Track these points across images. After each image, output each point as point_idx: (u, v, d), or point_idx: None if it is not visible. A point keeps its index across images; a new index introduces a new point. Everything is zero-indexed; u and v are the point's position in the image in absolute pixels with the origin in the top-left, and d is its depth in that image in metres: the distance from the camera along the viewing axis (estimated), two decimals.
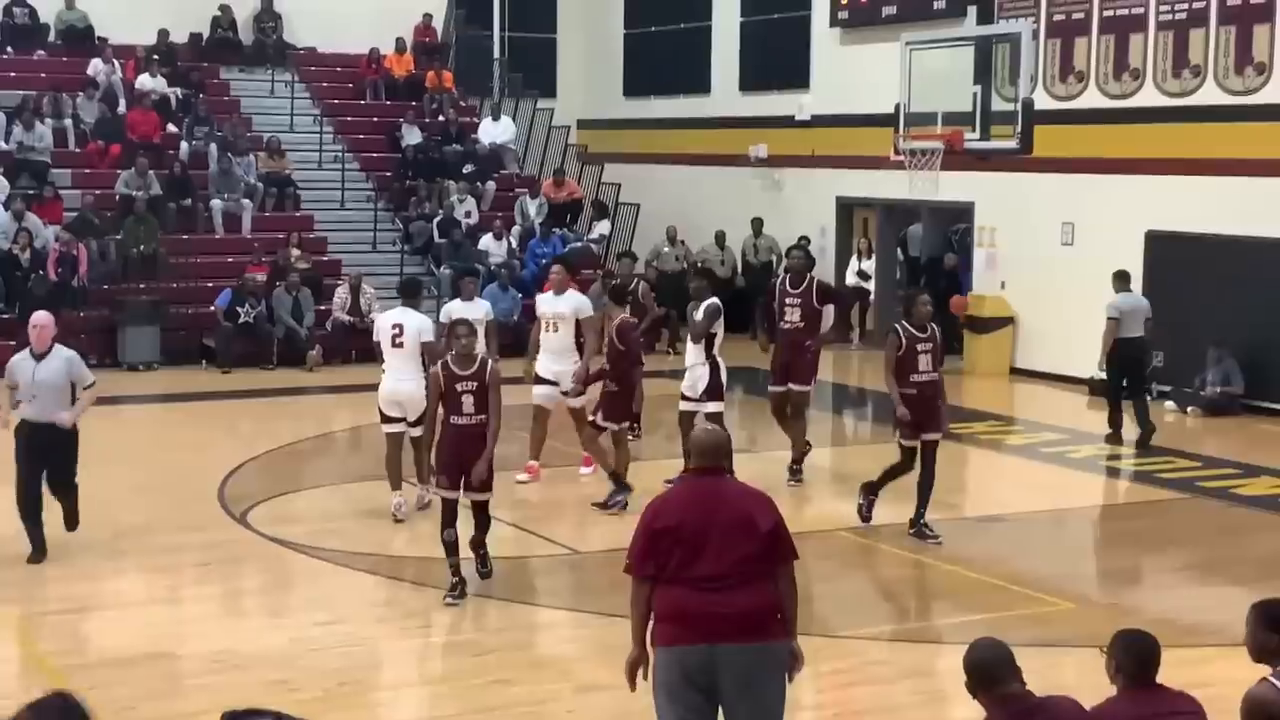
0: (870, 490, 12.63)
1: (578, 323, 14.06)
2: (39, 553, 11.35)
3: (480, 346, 11.20)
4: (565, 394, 13.85)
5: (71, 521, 11.69)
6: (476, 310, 13.88)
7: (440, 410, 10.44)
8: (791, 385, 14.38)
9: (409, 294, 13.24)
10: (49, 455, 11.38)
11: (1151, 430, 16.39)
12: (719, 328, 13.68)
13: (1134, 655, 5.71)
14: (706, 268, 21.89)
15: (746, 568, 6.35)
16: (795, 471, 14.42)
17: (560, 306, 13.99)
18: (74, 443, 11.45)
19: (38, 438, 11.26)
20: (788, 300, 14.33)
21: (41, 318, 11.34)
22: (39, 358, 11.20)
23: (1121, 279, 16.83)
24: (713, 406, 13.39)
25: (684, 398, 13.69)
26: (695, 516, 6.40)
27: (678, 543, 6.38)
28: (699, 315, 13.61)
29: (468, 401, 10.32)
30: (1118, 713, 5.64)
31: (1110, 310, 16.46)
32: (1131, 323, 16.45)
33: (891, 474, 12.52)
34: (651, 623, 6.54)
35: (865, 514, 12.63)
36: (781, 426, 14.64)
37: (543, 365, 13.98)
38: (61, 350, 11.35)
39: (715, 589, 6.30)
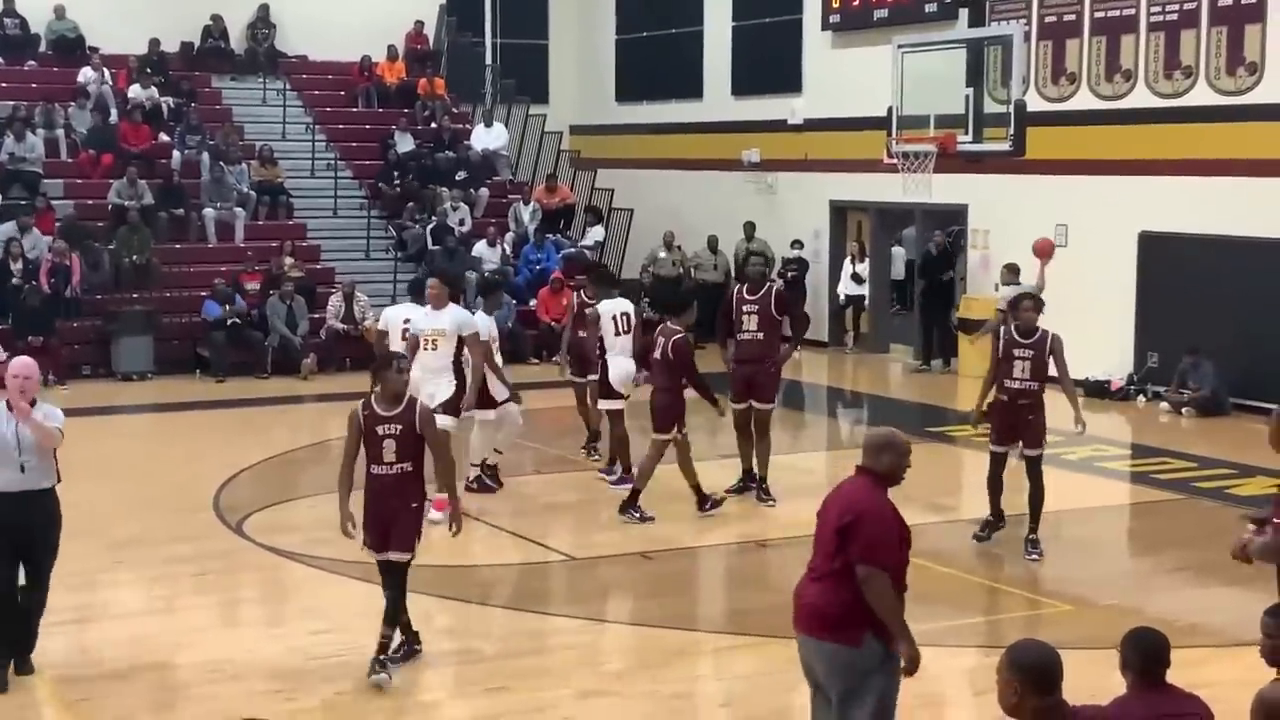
0: (989, 523, 12.42)
1: (459, 341, 12.90)
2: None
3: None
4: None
5: (28, 644, 9.18)
6: (440, 321, 12.86)
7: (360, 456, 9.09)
8: (753, 403, 13.68)
9: (488, 292, 14.01)
10: (32, 540, 8.96)
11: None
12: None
13: (1142, 653, 5.70)
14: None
15: (818, 563, 6.70)
16: (765, 492, 13.78)
17: (440, 322, 12.80)
18: (58, 521, 9.09)
19: (16, 515, 8.80)
20: (745, 308, 13.62)
21: (25, 366, 8.96)
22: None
23: (1011, 271, 17.87)
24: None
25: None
26: (821, 509, 6.83)
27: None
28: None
29: (389, 448, 8.99)
30: (1127, 713, 5.63)
31: (1000, 303, 16.93)
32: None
33: (991, 488, 12.38)
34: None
35: (982, 534, 12.49)
36: (741, 445, 13.91)
37: (414, 385, 12.61)
38: (43, 405, 8.99)
39: (807, 579, 6.75)
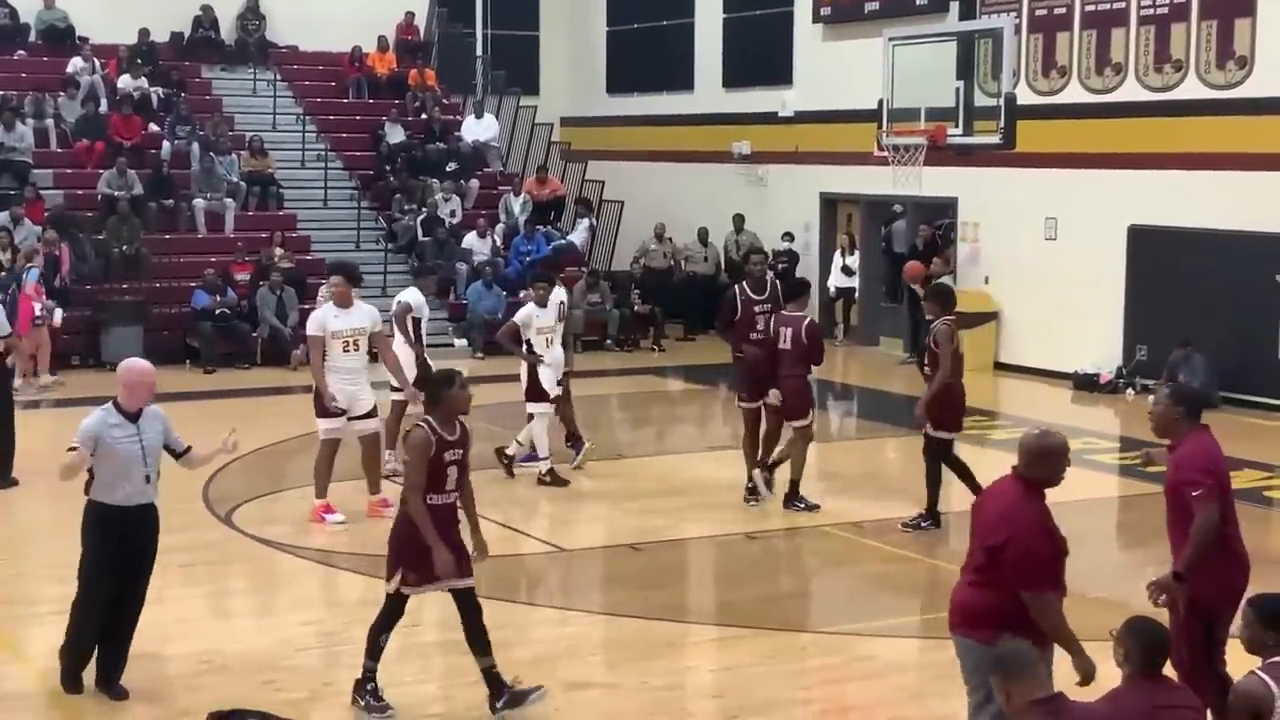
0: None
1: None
2: None
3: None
4: (364, 416, 12.62)
5: (121, 667, 8.74)
6: (357, 319, 12.54)
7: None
8: (769, 402, 13.36)
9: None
10: (146, 557, 8.70)
11: None
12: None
13: (1145, 645, 5.74)
14: None
15: (967, 563, 6.81)
16: (753, 492, 13.48)
17: (360, 321, 12.46)
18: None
19: (140, 531, 8.57)
20: (756, 309, 13.30)
21: (143, 369, 8.76)
22: (133, 418, 8.62)
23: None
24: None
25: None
26: (973, 510, 6.95)
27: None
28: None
29: (452, 476, 8.31)
30: (1127, 705, 5.65)
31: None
32: None
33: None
34: None
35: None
36: (750, 450, 13.57)
37: (338, 391, 12.31)
38: (154, 408, 8.78)
39: (962, 581, 6.85)
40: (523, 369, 14.14)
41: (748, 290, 13.43)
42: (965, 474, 12.49)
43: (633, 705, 8.66)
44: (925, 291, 13.49)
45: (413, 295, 14.14)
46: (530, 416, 14.15)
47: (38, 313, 19.30)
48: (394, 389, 13.60)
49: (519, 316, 14.35)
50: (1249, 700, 5.58)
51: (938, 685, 8.67)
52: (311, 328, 12.49)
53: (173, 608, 10.74)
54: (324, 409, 12.40)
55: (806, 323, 12.98)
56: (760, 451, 13.54)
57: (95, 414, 8.53)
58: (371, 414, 12.65)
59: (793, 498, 13.12)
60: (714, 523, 12.89)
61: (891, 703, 8.66)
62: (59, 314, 19.91)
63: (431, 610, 10.46)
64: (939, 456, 12.59)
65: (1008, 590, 6.45)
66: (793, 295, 13.33)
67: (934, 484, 12.56)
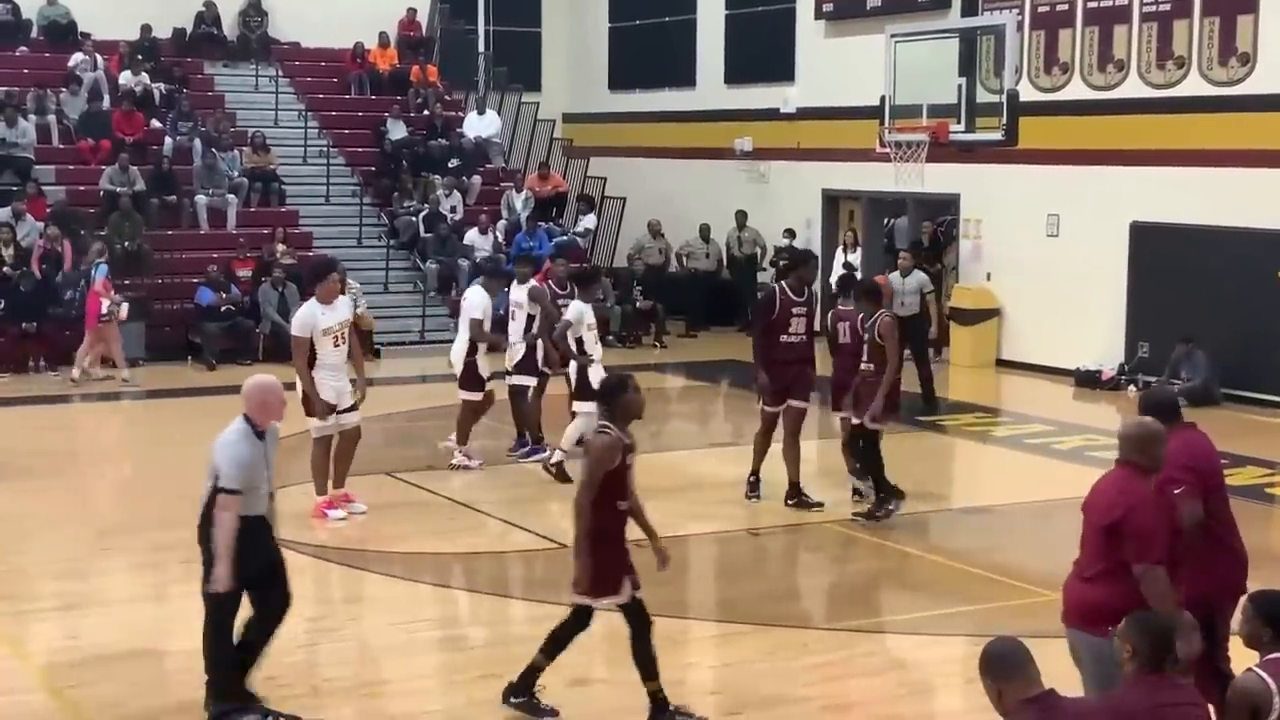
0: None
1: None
2: None
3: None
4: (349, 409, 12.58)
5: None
6: (343, 313, 12.59)
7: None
8: (791, 401, 13.03)
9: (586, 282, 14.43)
10: (275, 572, 8.43)
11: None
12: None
13: (1151, 641, 5.72)
14: None
15: (1086, 560, 6.83)
16: (754, 487, 13.33)
17: (345, 313, 12.57)
18: None
19: (264, 545, 8.33)
20: (793, 310, 12.91)
21: (272, 384, 8.66)
22: (262, 436, 8.51)
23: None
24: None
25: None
26: (1085, 504, 6.94)
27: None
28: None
29: (630, 481, 8.09)
30: (1134, 701, 5.64)
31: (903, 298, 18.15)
32: (910, 301, 18.27)
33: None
34: None
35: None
36: (760, 447, 13.31)
37: (326, 386, 12.32)
38: (274, 424, 8.65)
39: (1075, 577, 6.89)
40: (572, 368, 13.90)
41: (788, 291, 12.98)
42: (880, 469, 12.40)
43: (634, 701, 8.64)
44: (855, 290, 13.35)
45: (476, 294, 14.44)
46: (573, 415, 13.95)
47: (105, 308, 19.55)
48: (509, 373, 14.54)
49: (571, 314, 14.00)
50: (1247, 697, 5.57)
51: (939, 681, 8.67)
52: (299, 329, 12.30)
53: (173, 604, 10.75)
54: (313, 410, 12.31)
55: (885, 319, 12.64)
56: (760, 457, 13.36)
57: (239, 440, 8.22)
58: (355, 408, 12.60)
59: (880, 509, 12.73)
60: (715, 519, 12.89)
61: (893, 699, 8.65)
62: (125, 308, 20.13)
63: (429, 607, 10.47)
64: (875, 445, 12.46)
65: (1121, 584, 6.53)
66: (868, 296, 13.00)
67: (878, 468, 12.44)
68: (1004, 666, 5.44)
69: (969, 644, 9.58)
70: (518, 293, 14.83)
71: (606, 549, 7.95)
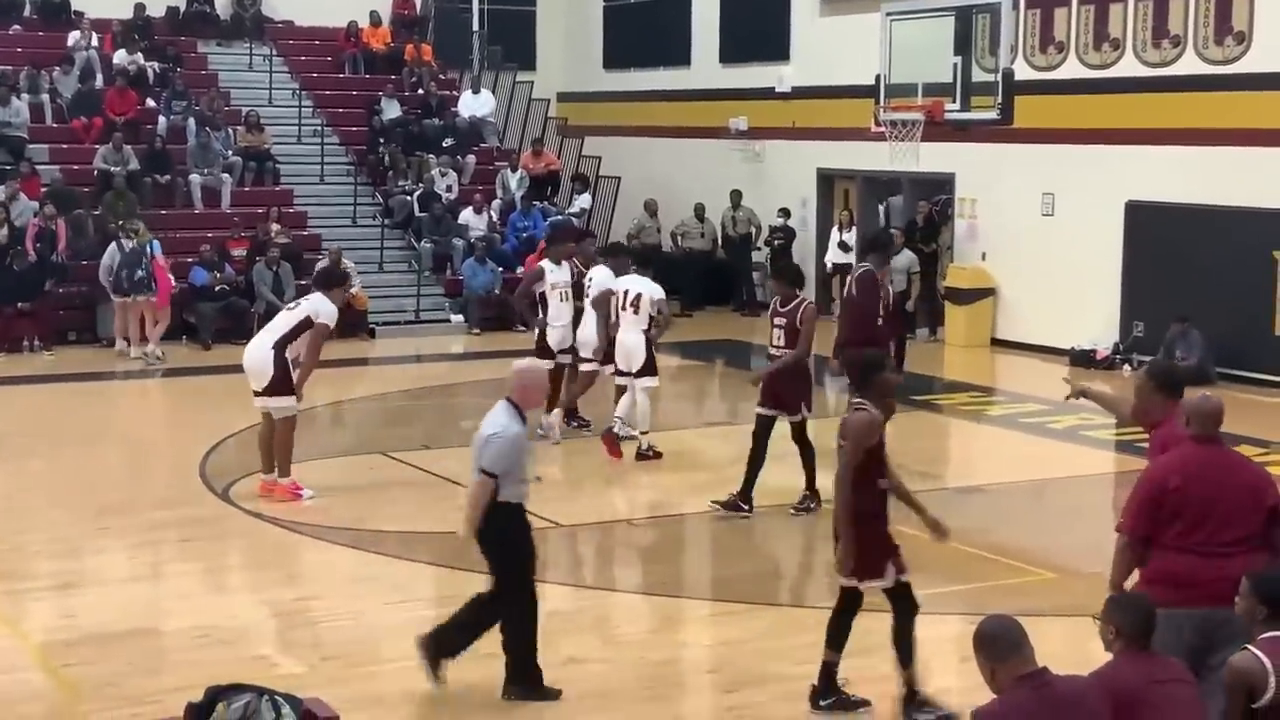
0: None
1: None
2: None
3: None
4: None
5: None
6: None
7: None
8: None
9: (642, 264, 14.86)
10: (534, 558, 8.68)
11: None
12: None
13: (1134, 617, 5.75)
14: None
15: (1252, 538, 6.69)
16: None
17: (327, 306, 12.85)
18: None
19: (529, 530, 8.57)
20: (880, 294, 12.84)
21: (544, 371, 8.76)
22: (524, 418, 8.36)
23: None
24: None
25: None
26: (1203, 484, 6.70)
27: (1183, 507, 6.70)
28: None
29: (885, 461, 8.00)
30: (1121, 676, 5.67)
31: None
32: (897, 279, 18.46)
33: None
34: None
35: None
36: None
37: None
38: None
39: (1224, 555, 6.60)
40: (634, 344, 14.07)
41: (852, 289, 13.02)
42: (810, 460, 12.29)
43: (630, 679, 8.67)
44: (772, 271, 13.37)
45: (600, 273, 14.58)
46: (638, 391, 14.02)
47: (174, 283, 20.13)
48: (583, 359, 14.66)
49: (601, 279, 14.38)
50: (1243, 676, 5.59)
51: (935, 660, 8.68)
52: (332, 321, 12.78)
53: (170, 583, 10.79)
54: (293, 389, 12.44)
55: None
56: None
57: (505, 424, 8.15)
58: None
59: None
60: (711, 498, 12.88)
61: (888, 678, 8.66)
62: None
63: (425, 586, 10.48)
64: (804, 436, 12.33)
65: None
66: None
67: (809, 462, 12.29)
68: (998, 645, 5.46)
69: (963, 623, 9.60)
70: (558, 274, 14.84)
71: (868, 530, 7.82)
